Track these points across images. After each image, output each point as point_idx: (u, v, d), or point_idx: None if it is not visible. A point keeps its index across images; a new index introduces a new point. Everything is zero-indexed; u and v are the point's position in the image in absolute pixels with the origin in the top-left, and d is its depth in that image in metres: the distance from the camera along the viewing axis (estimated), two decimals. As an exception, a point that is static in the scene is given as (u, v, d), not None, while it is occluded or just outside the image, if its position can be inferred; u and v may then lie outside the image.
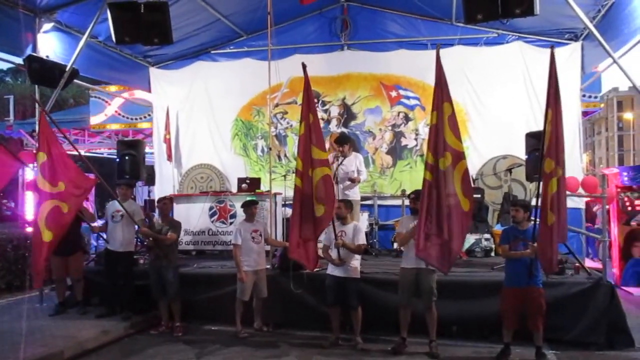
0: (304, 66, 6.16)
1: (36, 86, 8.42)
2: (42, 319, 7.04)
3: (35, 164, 5.52)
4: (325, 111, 10.51)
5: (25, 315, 7.32)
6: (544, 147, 5.32)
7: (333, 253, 6.21)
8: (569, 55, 9.16)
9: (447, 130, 5.43)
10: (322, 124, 10.36)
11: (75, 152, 7.29)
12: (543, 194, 5.27)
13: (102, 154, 17.56)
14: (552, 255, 5.30)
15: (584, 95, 10.50)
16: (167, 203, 7.23)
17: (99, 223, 7.90)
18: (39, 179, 5.55)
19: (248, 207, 6.89)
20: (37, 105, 8.33)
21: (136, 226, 7.14)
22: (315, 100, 10.37)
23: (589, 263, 8.73)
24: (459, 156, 5.48)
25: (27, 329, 6.51)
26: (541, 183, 5.37)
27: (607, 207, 7.54)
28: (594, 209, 12.06)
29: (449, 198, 5.36)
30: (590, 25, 6.99)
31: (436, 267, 5.60)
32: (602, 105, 13.04)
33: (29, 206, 10.48)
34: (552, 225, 5.17)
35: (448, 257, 5.43)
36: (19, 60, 7.93)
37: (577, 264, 6.80)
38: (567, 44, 9.33)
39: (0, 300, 8.43)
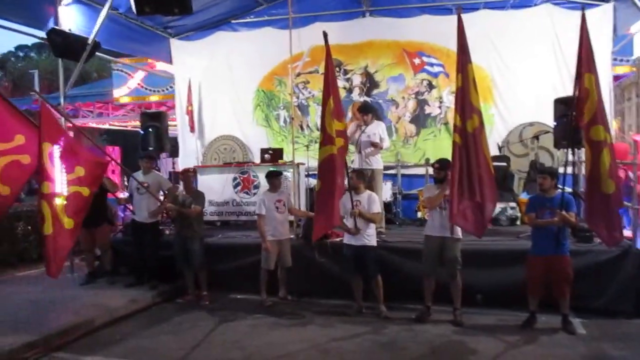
0: (325, 35, 6.02)
1: (60, 60, 8.47)
2: (73, 289, 7.25)
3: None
4: (347, 80, 10.38)
5: (56, 285, 7.55)
6: (580, 113, 5.12)
7: (349, 222, 6.21)
8: (600, 17, 8.80)
9: (473, 92, 5.32)
10: (344, 94, 10.36)
11: (100, 126, 7.29)
12: (592, 162, 5.08)
13: (126, 126, 17.74)
14: (615, 225, 5.15)
15: (614, 59, 10.15)
16: (189, 174, 7.29)
17: (125, 194, 8.01)
18: (50, 169, 5.41)
19: (272, 177, 6.90)
20: (60, 80, 8.43)
21: (161, 196, 7.22)
22: (337, 69, 10.27)
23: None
24: (477, 113, 5.39)
25: (58, 298, 6.73)
26: (574, 151, 5.21)
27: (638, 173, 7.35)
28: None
29: (479, 160, 5.28)
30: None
31: (471, 232, 5.51)
32: (634, 69, 12.59)
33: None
34: (612, 193, 5.03)
35: (482, 220, 5.36)
36: (41, 34, 7.96)
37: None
38: (597, 5, 8.96)
39: (34, 271, 8.68)
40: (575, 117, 5.21)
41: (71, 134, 6.56)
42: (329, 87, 5.90)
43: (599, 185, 5.04)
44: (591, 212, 5.22)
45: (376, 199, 6.35)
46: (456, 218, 5.37)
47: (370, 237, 6.21)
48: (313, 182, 9.23)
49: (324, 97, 5.94)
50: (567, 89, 8.50)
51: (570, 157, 5.41)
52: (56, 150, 5.36)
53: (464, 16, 5.49)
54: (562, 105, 7.25)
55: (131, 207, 7.63)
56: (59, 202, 5.26)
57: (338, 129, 5.88)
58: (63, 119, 7.67)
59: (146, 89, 14.32)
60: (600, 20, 8.77)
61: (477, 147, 5.29)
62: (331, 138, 5.79)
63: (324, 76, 6.03)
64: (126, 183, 11.91)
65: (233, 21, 10.81)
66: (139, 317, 6.42)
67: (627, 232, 8.14)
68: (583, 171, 6.95)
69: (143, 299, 6.82)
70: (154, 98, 14.53)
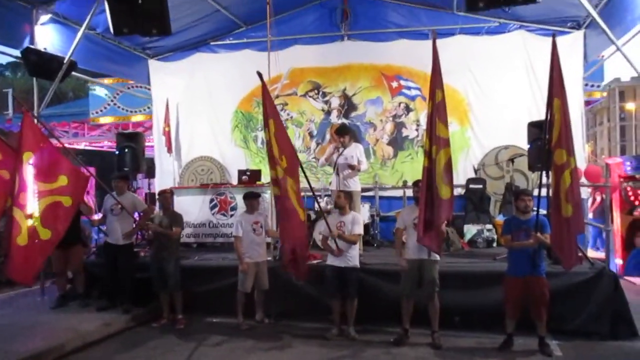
0: (259, 74, 5.91)
1: (34, 79, 8.37)
2: (43, 312, 7.05)
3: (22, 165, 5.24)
4: (326, 102, 10.46)
5: (26, 308, 7.35)
6: (550, 137, 5.24)
7: (332, 244, 6.20)
8: (571, 44, 9.08)
9: (438, 121, 5.41)
10: (322, 115, 10.44)
11: (75, 147, 7.22)
12: (555, 185, 5.20)
13: (102, 147, 17.54)
14: (572, 248, 5.27)
15: (586, 85, 10.43)
16: (167, 196, 7.21)
17: (98, 216, 7.88)
18: (30, 179, 5.35)
19: (250, 199, 6.86)
20: (34, 99, 8.33)
21: (135, 216, 7.12)
22: (316, 92, 10.36)
23: (591, 253, 8.71)
24: (445, 143, 5.45)
25: (28, 322, 6.54)
26: (548, 173, 5.32)
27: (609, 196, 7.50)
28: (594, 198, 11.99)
29: (434, 185, 5.35)
30: (594, 13, 6.93)
31: (435, 251, 5.66)
32: (604, 94, 12.96)
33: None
34: (569, 217, 5.12)
35: (438, 238, 5.55)
36: (16, 53, 7.87)
37: (580, 254, 6.77)
38: (569, 32, 9.25)
39: (1, 294, 8.43)
40: (547, 140, 5.32)
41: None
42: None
43: (559, 208, 5.14)
44: (553, 234, 5.31)
45: (360, 221, 6.36)
46: (423, 240, 5.49)
47: (352, 258, 6.21)
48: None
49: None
50: (541, 113, 8.67)
51: (544, 180, 5.48)
52: (37, 158, 5.30)
53: (440, 41, 5.59)
54: (536, 129, 7.40)
55: (104, 229, 7.50)
56: (35, 213, 5.19)
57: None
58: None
59: (123, 109, 14.20)
60: (571, 47, 9.04)
61: (435, 173, 5.35)
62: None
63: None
64: (99, 206, 11.73)
65: (212, 42, 10.86)
66: (112, 342, 6.26)
67: (601, 254, 8.30)
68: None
69: (116, 322, 6.66)
70: (134, 118, 14.41)
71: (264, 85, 5.87)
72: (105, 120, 14.74)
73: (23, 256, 5.08)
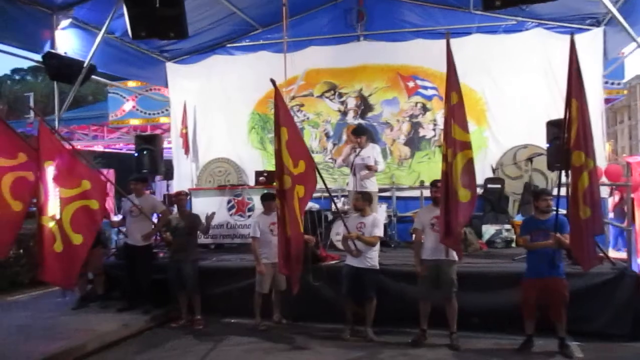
0: (273, 81, 5.90)
1: (55, 83, 8.50)
2: (64, 313, 7.15)
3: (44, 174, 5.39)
4: (342, 103, 10.45)
5: (47, 309, 7.46)
6: (568, 138, 5.17)
7: (351, 244, 6.20)
8: (590, 41, 8.95)
9: (454, 124, 5.36)
10: (338, 116, 10.43)
11: (95, 149, 7.31)
12: (573, 187, 5.13)
13: (121, 149, 17.74)
14: (589, 250, 5.19)
15: (606, 82, 10.28)
16: (183, 197, 7.26)
17: (118, 217, 7.96)
18: (52, 186, 5.47)
19: (268, 200, 6.86)
20: (55, 103, 8.46)
21: (154, 218, 7.20)
22: (332, 92, 10.36)
23: (612, 254, 8.57)
24: (463, 146, 5.37)
25: (49, 323, 6.64)
26: (567, 173, 5.26)
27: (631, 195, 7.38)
28: (614, 198, 11.78)
29: (452, 189, 5.31)
30: (614, 9, 6.83)
31: (458, 254, 5.63)
32: (625, 92, 12.75)
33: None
34: (587, 219, 5.05)
35: (458, 243, 5.53)
36: (37, 58, 8.00)
37: (601, 254, 6.67)
38: (588, 29, 9.12)
39: (24, 295, 8.58)
40: (566, 140, 5.25)
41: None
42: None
43: (577, 209, 5.07)
44: (572, 235, 5.25)
45: (380, 223, 6.33)
46: (444, 241, 5.48)
47: (371, 259, 6.19)
48: (308, 205, 9.22)
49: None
50: (559, 112, 8.53)
51: (563, 179, 5.41)
52: (57, 166, 5.40)
53: (456, 40, 5.58)
54: (555, 128, 7.30)
55: (124, 230, 7.58)
56: (63, 219, 5.30)
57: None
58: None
59: (141, 111, 14.36)
60: (591, 44, 8.91)
61: (453, 176, 5.30)
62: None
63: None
64: (118, 207, 11.88)
65: (228, 45, 10.92)
66: (131, 343, 6.32)
67: (622, 254, 8.16)
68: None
69: (135, 323, 6.73)
70: (149, 121, 14.56)
71: (277, 91, 5.82)
72: (126, 123, 14.91)
73: (62, 262, 5.22)
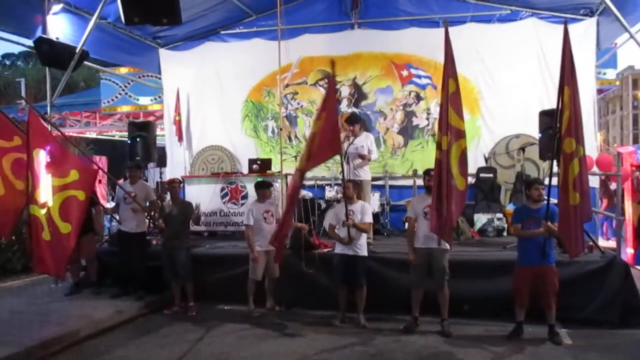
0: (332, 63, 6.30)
1: (47, 69, 8.42)
2: (57, 300, 7.15)
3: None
4: (336, 91, 10.41)
5: (41, 295, 7.45)
6: (560, 125, 5.22)
7: (341, 232, 6.22)
8: (584, 31, 8.98)
9: (451, 110, 5.37)
10: (332, 104, 10.40)
11: (87, 136, 7.28)
12: (563, 173, 5.17)
13: (113, 136, 17.63)
14: (578, 236, 5.23)
15: (598, 72, 10.31)
16: (176, 185, 7.24)
17: (111, 204, 7.94)
18: (43, 175, 5.49)
19: (262, 188, 6.88)
20: (47, 89, 8.39)
21: (147, 204, 7.21)
22: (326, 80, 10.33)
23: (602, 242, 8.66)
24: (459, 134, 5.41)
25: (43, 309, 6.64)
26: (557, 162, 5.30)
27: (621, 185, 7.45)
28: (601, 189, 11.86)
29: (448, 176, 5.33)
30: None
31: (446, 241, 5.64)
32: (617, 82, 12.80)
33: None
34: (577, 205, 5.09)
35: (449, 232, 5.52)
36: (29, 43, 7.92)
37: (590, 243, 6.74)
38: (582, 19, 9.14)
39: (17, 281, 8.56)
40: (559, 129, 5.29)
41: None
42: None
43: (567, 196, 5.12)
44: (560, 222, 5.29)
45: (369, 210, 6.38)
46: (435, 230, 5.50)
47: (361, 246, 6.23)
48: (301, 192, 9.23)
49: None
50: (552, 101, 8.58)
51: (555, 169, 5.45)
52: (47, 155, 5.40)
53: (451, 29, 5.55)
54: (547, 118, 7.33)
55: (117, 217, 7.57)
56: (51, 208, 5.31)
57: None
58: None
59: (134, 98, 14.25)
60: (584, 34, 8.94)
61: (448, 164, 5.32)
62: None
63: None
64: (113, 193, 11.84)
65: (222, 32, 10.85)
66: (125, 329, 6.34)
67: (611, 243, 8.26)
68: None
69: (129, 310, 6.74)
70: (142, 108, 14.45)
71: (332, 79, 6.14)
72: (118, 109, 14.81)
73: (51, 251, 5.27)
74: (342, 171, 6.41)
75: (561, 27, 5.25)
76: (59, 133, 7.05)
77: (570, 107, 5.11)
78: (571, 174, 5.09)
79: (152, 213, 7.28)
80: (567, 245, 5.39)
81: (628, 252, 9.07)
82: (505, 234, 8.37)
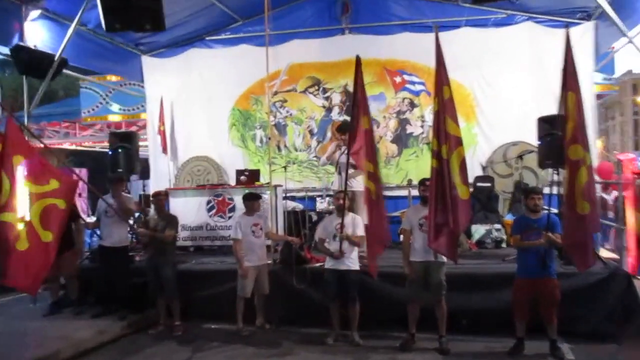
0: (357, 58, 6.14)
1: (24, 77, 8.39)
2: (36, 320, 7.06)
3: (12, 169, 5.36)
4: (327, 99, 10.48)
5: (18, 315, 7.37)
6: (565, 132, 5.24)
7: (332, 246, 6.22)
8: (581, 36, 9.07)
9: (448, 118, 5.42)
10: (323, 112, 10.45)
11: (67, 147, 7.24)
12: (569, 182, 5.19)
13: (94, 147, 17.56)
14: (588, 249, 5.25)
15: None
16: (162, 198, 7.22)
17: (92, 218, 7.89)
18: (22, 181, 5.45)
19: (250, 200, 6.86)
20: (24, 98, 8.36)
21: (130, 222, 7.15)
22: (316, 88, 10.37)
23: (604, 253, 8.70)
24: (457, 142, 5.47)
25: (20, 330, 6.57)
26: (558, 171, 5.33)
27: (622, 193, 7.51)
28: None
29: (451, 187, 5.36)
30: (604, 3, 6.94)
31: (447, 256, 5.65)
32: (616, 87, 12.97)
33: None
34: (586, 215, 5.11)
35: (455, 246, 5.52)
36: (5, 51, 7.90)
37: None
38: (579, 23, 9.24)
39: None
40: (562, 136, 5.32)
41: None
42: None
43: (574, 205, 5.14)
44: (565, 234, 5.31)
45: (360, 222, 6.37)
46: (433, 244, 5.51)
47: (353, 260, 6.23)
48: (291, 204, 9.24)
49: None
50: (550, 107, 8.68)
51: (555, 177, 5.49)
52: (28, 161, 5.36)
53: (445, 34, 5.63)
54: (546, 124, 7.39)
55: (99, 232, 7.52)
56: (32, 214, 5.24)
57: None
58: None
59: (116, 107, 14.23)
60: (582, 39, 9.03)
61: (450, 173, 5.37)
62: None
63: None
64: (93, 207, 11.74)
65: (207, 38, 10.88)
66: (108, 350, 6.28)
67: (613, 254, 8.30)
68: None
69: (112, 330, 6.68)
70: (124, 118, 14.44)
71: (358, 71, 5.94)
72: (99, 119, 14.79)
73: (26, 262, 5.12)
74: (332, 182, 6.42)
75: (557, 31, 5.35)
76: (39, 144, 7.02)
77: (575, 113, 5.15)
78: (578, 182, 5.10)
79: (134, 225, 7.23)
80: (575, 257, 5.39)
81: (630, 262, 9.11)
82: (504, 245, 8.40)
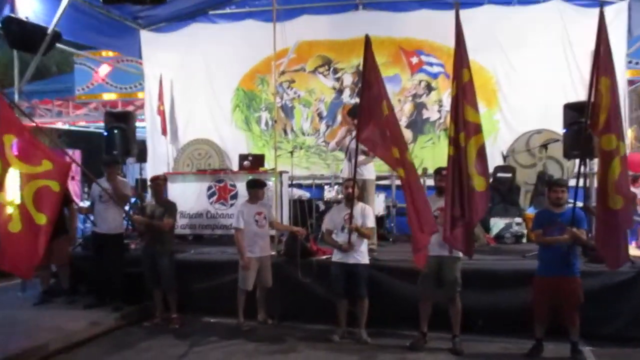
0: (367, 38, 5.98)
1: (15, 51, 8.42)
2: (25, 309, 7.15)
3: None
4: (338, 79, 10.46)
5: (6, 304, 7.46)
6: (596, 121, 5.19)
7: (339, 238, 6.23)
8: (614, 17, 8.95)
9: (466, 105, 5.39)
10: (333, 94, 10.43)
11: (59, 127, 7.28)
12: (601, 174, 5.16)
13: (88, 127, 17.61)
14: (620, 246, 5.21)
15: (629, 62, 10.33)
16: (160, 183, 7.23)
17: (85, 203, 7.94)
18: (13, 161, 5.48)
19: (254, 187, 6.86)
20: (15, 74, 8.40)
21: (126, 207, 7.19)
22: (326, 68, 10.34)
23: (631, 250, 8.68)
24: (476, 129, 5.43)
25: (8, 320, 6.64)
26: (585, 161, 5.28)
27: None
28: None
29: (466, 177, 5.35)
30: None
31: (462, 251, 5.65)
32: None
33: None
34: (619, 210, 5.06)
35: (471, 240, 5.52)
36: (-5, 23, 7.92)
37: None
38: (612, 2, 9.14)
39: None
40: (590, 124, 5.27)
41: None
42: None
43: (606, 199, 5.11)
44: (597, 229, 5.29)
45: (370, 213, 6.38)
46: (449, 239, 5.49)
47: (362, 254, 6.23)
48: (297, 192, 9.26)
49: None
50: (579, 93, 8.65)
51: (581, 169, 5.46)
52: (19, 141, 5.40)
53: (466, 12, 5.60)
54: (573, 112, 7.35)
55: (92, 218, 7.57)
56: (25, 196, 5.28)
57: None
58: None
59: (112, 85, 14.26)
60: (614, 20, 8.91)
61: (466, 162, 5.35)
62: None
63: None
64: (88, 190, 11.83)
65: (211, 12, 10.86)
66: (100, 342, 6.33)
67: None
68: (595, 184, 7.07)
69: (105, 321, 6.74)
70: (120, 96, 14.46)
71: (368, 52, 5.82)
72: (94, 97, 14.81)
73: (19, 245, 5.17)
74: (342, 169, 6.42)
75: (589, 10, 5.30)
76: (30, 122, 7.05)
77: (609, 100, 5.10)
78: (611, 175, 5.06)
79: (129, 211, 7.27)
80: (605, 255, 5.37)
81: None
82: (524, 240, 8.39)
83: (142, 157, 10.78)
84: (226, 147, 10.68)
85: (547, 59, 9.46)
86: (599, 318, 6.01)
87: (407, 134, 10.17)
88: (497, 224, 8.57)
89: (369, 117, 5.76)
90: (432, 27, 9.82)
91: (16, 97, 8.31)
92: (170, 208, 7.06)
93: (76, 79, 14.67)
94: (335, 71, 10.46)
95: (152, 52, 11.09)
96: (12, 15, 7.75)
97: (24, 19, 7.86)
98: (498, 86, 9.76)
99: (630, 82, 11.56)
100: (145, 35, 11.05)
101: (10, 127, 5.43)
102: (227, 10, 10.86)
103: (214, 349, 6.11)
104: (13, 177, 5.37)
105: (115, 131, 8.79)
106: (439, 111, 10.05)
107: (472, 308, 6.06)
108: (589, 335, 5.91)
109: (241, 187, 7.90)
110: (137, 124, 10.05)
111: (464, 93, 5.41)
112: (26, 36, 7.77)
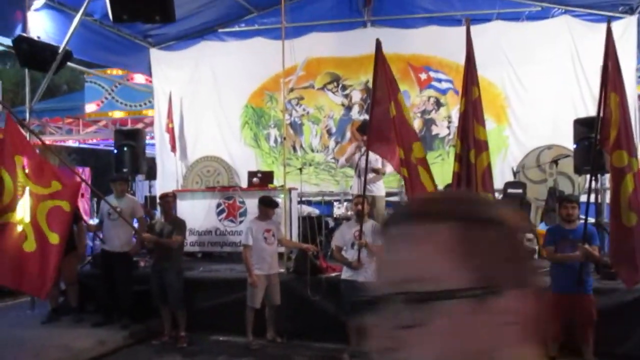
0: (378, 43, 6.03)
1: (26, 70, 8.51)
2: (33, 327, 7.15)
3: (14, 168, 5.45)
4: (346, 96, 10.47)
5: (15, 322, 7.46)
6: (606, 137, 5.17)
7: (348, 254, 6.19)
8: (623, 31, 8.93)
9: (475, 122, 5.39)
10: (342, 111, 10.45)
11: (68, 144, 7.32)
12: (614, 191, 5.14)
13: (98, 145, 17.73)
14: (636, 262, 5.15)
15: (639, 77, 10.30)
16: (169, 200, 7.26)
17: (94, 220, 7.96)
18: (24, 180, 5.53)
19: (266, 205, 6.85)
20: (26, 92, 8.48)
21: (135, 225, 7.20)
22: (335, 85, 10.37)
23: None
24: (485, 147, 5.43)
25: (17, 338, 6.63)
26: (596, 177, 5.26)
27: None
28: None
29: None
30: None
31: None
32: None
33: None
34: (633, 227, 5.03)
35: None
36: (7, 42, 8.01)
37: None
38: (620, 17, 9.13)
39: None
40: (600, 140, 5.25)
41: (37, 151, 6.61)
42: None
43: (619, 216, 5.07)
44: (611, 246, 5.24)
45: None
46: None
47: (372, 271, 6.17)
48: (307, 209, 9.24)
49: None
50: (588, 109, 8.61)
51: (592, 184, 5.42)
52: (28, 163, 5.45)
53: (475, 27, 5.59)
54: (583, 127, 7.32)
55: (101, 236, 7.59)
56: (38, 216, 5.31)
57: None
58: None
59: (122, 103, 14.35)
60: (623, 35, 8.90)
61: (475, 180, 5.33)
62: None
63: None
64: (97, 208, 11.85)
65: (220, 30, 10.93)
66: (108, 361, 6.34)
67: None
68: (608, 199, 7.02)
69: (113, 340, 6.73)
70: (130, 114, 14.55)
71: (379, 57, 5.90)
72: (104, 115, 14.91)
73: (34, 264, 5.21)
74: (351, 186, 6.41)
75: (598, 25, 5.29)
76: (39, 141, 7.11)
77: (619, 116, 5.07)
78: (624, 192, 5.03)
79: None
80: (621, 273, 5.32)
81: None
82: (535, 256, 8.30)
83: (151, 175, 10.84)
84: (235, 164, 10.69)
85: (556, 74, 9.44)
86: (612, 337, 5.92)
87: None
88: (509, 240, 8.47)
89: (378, 131, 5.77)
90: (440, 43, 9.84)
91: (27, 115, 8.37)
92: (179, 225, 7.06)
93: (86, 96, 14.78)
94: (344, 88, 10.48)
95: (162, 69, 11.17)
96: (24, 34, 7.84)
97: (36, 38, 7.94)
98: (507, 102, 9.73)
99: (640, 97, 11.52)
100: (155, 54, 11.13)
101: (20, 148, 5.49)
102: (236, 28, 10.93)
103: (222, 367, 6.08)
104: (24, 196, 5.42)
105: (125, 149, 8.85)
106: (448, 127, 10.03)
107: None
108: (603, 354, 5.81)
109: (250, 204, 7.88)
110: (147, 141, 10.13)
111: (474, 110, 5.40)
112: (37, 55, 7.84)
